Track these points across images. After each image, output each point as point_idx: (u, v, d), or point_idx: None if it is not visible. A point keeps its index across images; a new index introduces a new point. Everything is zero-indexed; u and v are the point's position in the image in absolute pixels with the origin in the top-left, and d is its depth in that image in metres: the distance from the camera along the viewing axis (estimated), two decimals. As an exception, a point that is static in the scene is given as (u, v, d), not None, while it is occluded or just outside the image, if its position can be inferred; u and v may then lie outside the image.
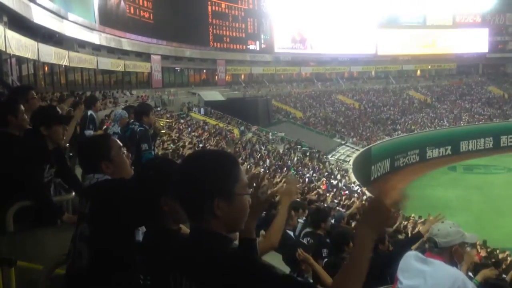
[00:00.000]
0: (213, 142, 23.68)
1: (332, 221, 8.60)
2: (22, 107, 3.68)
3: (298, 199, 13.35)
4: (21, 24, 19.41)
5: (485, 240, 15.86)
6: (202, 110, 34.42)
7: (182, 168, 1.55)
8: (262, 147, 27.43)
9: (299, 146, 31.02)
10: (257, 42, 50.90)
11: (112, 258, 2.14)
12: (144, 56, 37.82)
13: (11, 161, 3.34)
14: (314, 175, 23.86)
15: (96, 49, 31.53)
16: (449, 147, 41.76)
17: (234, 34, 48.51)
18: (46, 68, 25.20)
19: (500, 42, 58.81)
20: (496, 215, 23.70)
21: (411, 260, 2.76)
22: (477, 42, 57.67)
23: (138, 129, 5.94)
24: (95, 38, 30.95)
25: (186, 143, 18.62)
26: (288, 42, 51.97)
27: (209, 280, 1.39)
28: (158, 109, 28.08)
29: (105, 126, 9.51)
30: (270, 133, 32.59)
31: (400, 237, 12.29)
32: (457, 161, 38.46)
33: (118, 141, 2.53)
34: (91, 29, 30.30)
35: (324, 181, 22.53)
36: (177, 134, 21.73)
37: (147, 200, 1.93)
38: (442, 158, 40.15)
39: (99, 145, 2.48)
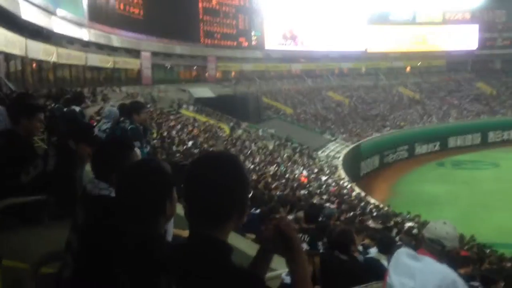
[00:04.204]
0: (203, 139, 23.68)
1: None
2: (42, 115, 3.73)
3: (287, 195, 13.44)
4: (8, 20, 19.26)
5: (472, 235, 16.07)
6: (192, 107, 34.34)
7: (209, 174, 1.43)
8: (252, 144, 27.45)
9: (289, 143, 31.07)
10: (248, 39, 50.84)
11: (95, 276, 2.04)
12: (134, 53, 37.68)
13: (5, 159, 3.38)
14: (304, 171, 23.97)
15: (85, 45, 31.36)
16: (438, 143, 42.08)
17: (225, 31, 48.44)
18: (34, 65, 25.02)
19: (489, 38, 59.20)
20: (483, 210, 23.95)
21: (402, 256, 2.75)
22: (466, 39, 58.03)
23: (129, 127, 5.95)
24: (84, 34, 30.78)
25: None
26: (279, 39, 51.98)
27: None
28: (148, 106, 27.96)
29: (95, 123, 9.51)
30: (260, 130, 32.59)
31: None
32: (446, 157, 38.76)
33: (139, 155, 2.36)
34: (80, 25, 30.14)
35: (302, 175, 22.64)
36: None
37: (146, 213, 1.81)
38: (431, 154, 40.45)
39: (116, 154, 2.28)
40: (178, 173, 1.93)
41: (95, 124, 8.79)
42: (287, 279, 3.83)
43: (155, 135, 18.47)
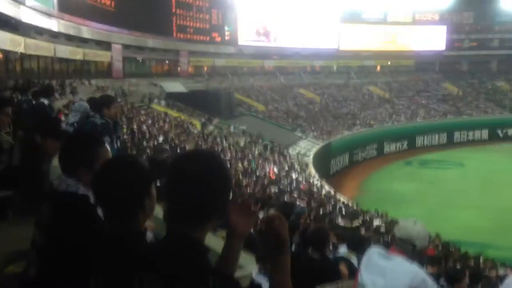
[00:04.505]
0: (174, 134, 23.50)
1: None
2: (9, 109, 3.66)
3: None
4: (-27, 8, 18.67)
5: (438, 233, 16.45)
6: (164, 102, 34.02)
7: (194, 172, 1.41)
8: (223, 140, 27.40)
9: (260, 140, 31.15)
10: (221, 34, 50.63)
11: (62, 274, 2.00)
12: (105, 45, 37.05)
13: None
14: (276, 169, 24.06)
15: (54, 36, 30.67)
16: (406, 142, 42.88)
17: (198, 25, 48.07)
18: (1, 56, 24.35)
19: (456, 40, 60.59)
20: (448, 208, 24.54)
21: (373, 255, 2.78)
22: (435, 40, 59.22)
23: (99, 122, 5.85)
24: (54, 25, 30.10)
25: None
26: (252, 35, 51.94)
27: None
28: (118, 100, 27.57)
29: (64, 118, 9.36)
30: (232, 126, 32.55)
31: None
32: (413, 156, 39.52)
33: (109, 151, 2.30)
34: (50, 15, 29.43)
35: (272, 170, 22.69)
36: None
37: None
38: (399, 152, 41.16)
39: (84, 148, 2.22)
40: (156, 169, 1.93)
41: (63, 117, 8.64)
42: (258, 279, 3.84)
43: (125, 130, 18.23)
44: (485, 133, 46.91)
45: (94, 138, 2.43)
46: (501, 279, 10.13)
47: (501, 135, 46.98)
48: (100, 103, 6.15)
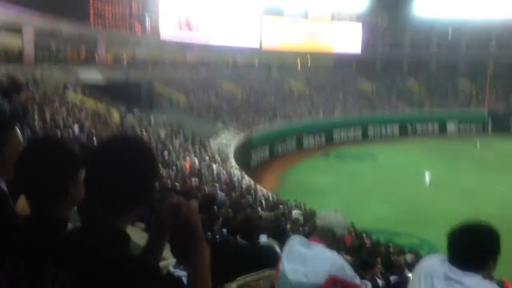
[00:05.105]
0: (91, 124, 22.56)
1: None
2: None
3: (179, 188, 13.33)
4: None
5: (353, 223, 17.22)
6: (80, 90, 32.49)
7: (121, 157, 1.35)
8: (143, 131, 26.76)
9: (181, 130, 30.80)
10: (142, 24, 49.24)
11: None
12: (14, 28, 34.68)
13: None
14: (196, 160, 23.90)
15: (-44, 16, 28.28)
16: (324, 136, 44.38)
17: (117, 13, 46.44)
18: None
19: (371, 40, 63.49)
20: (362, 199, 25.80)
21: (294, 244, 2.85)
22: (352, 40, 61.58)
23: (8, 107, 5.49)
24: (-45, 3, 27.72)
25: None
26: (174, 26, 50.93)
27: (104, 284, 1.27)
28: (30, 87, 25.95)
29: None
30: (152, 117, 31.88)
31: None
32: (330, 149, 41.04)
33: (20, 137, 2.11)
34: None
35: (188, 161, 22.54)
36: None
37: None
38: (317, 146, 42.53)
39: None
40: (86, 154, 1.81)
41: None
42: (177, 273, 3.75)
43: (36, 118, 17.22)
44: (396, 129, 49.79)
45: (1, 122, 2.26)
46: (409, 265, 10.82)
47: (410, 130, 50.13)
48: (8, 89, 5.77)
